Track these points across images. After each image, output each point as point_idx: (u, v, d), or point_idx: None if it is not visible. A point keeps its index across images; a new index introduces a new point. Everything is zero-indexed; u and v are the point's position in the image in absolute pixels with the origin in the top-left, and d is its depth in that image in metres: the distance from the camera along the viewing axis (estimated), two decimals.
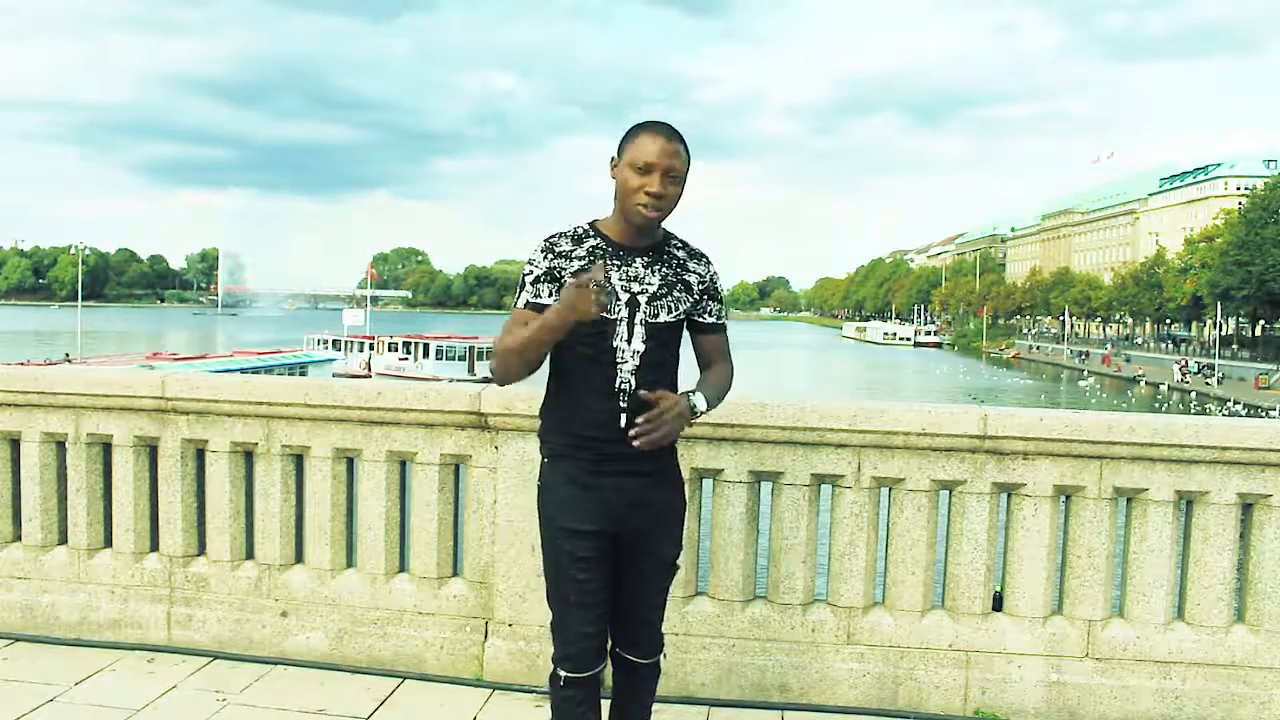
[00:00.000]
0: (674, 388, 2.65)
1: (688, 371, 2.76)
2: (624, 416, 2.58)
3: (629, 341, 2.61)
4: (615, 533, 2.68)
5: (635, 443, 2.52)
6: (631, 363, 2.60)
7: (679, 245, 2.76)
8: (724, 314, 2.83)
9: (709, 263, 2.79)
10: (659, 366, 2.64)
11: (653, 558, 2.76)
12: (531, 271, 2.65)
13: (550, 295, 2.62)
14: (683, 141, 2.63)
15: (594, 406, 2.61)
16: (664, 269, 2.68)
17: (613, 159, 2.64)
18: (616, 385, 2.59)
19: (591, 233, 2.68)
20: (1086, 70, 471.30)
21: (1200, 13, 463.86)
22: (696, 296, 2.73)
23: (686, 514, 2.89)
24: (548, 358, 2.65)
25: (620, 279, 2.63)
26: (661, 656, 2.87)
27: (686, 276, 2.72)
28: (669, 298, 2.67)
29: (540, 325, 2.53)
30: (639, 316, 2.62)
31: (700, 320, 2.77)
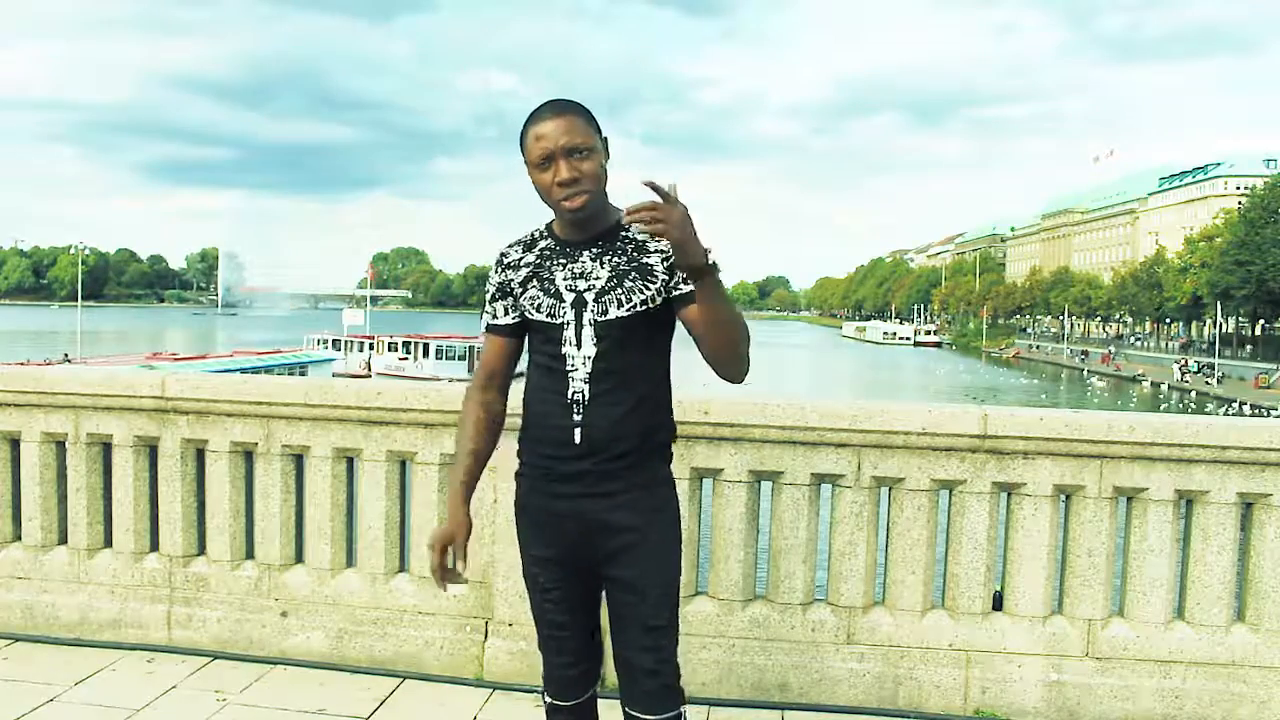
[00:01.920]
0: (646, 400, 2.37)
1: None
2: (578, 432, 2.32)
3: (578, 346, 2.33)
4: (589, 559, 2.41)
5: (637, 225, 2.06)
6: (583, 369, 2.33)
7: None
8: None
9: None
10: (617, 373, 2.33)
11: (628, 591, 2.38)
12: (488, 290, 2.50)
13: (506, 314, 2.47)
14: (575, 111, 2.31)
15: (548, 420, 2.36)
16: (615, 258, 2.36)
17: (526, 167, 2.36)
18: (569, 396, 2.32)
19: (544, 233, 2.46)
20: (1086, 71, 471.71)
21: (1199, 13, 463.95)
22: (665, 276, 2.34)
23: (674, 536, 2.45)
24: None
25: (565, 277, 2.38)
26: (679, 712, 2.41)
27: (645, 259, 2.35)
28: (619, 289, 2.34)
29: (451, 488, 2.52)
30: (586, 316, 2.34)
31: (678, 292, 2.33)
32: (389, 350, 56.50)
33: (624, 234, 2.38)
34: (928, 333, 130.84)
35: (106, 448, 4.20)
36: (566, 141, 2.26)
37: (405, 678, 3.87)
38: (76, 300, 69.03)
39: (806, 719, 3.68)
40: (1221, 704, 3.64)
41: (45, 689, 3.66)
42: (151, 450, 4.18)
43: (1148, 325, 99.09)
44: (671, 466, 2.49)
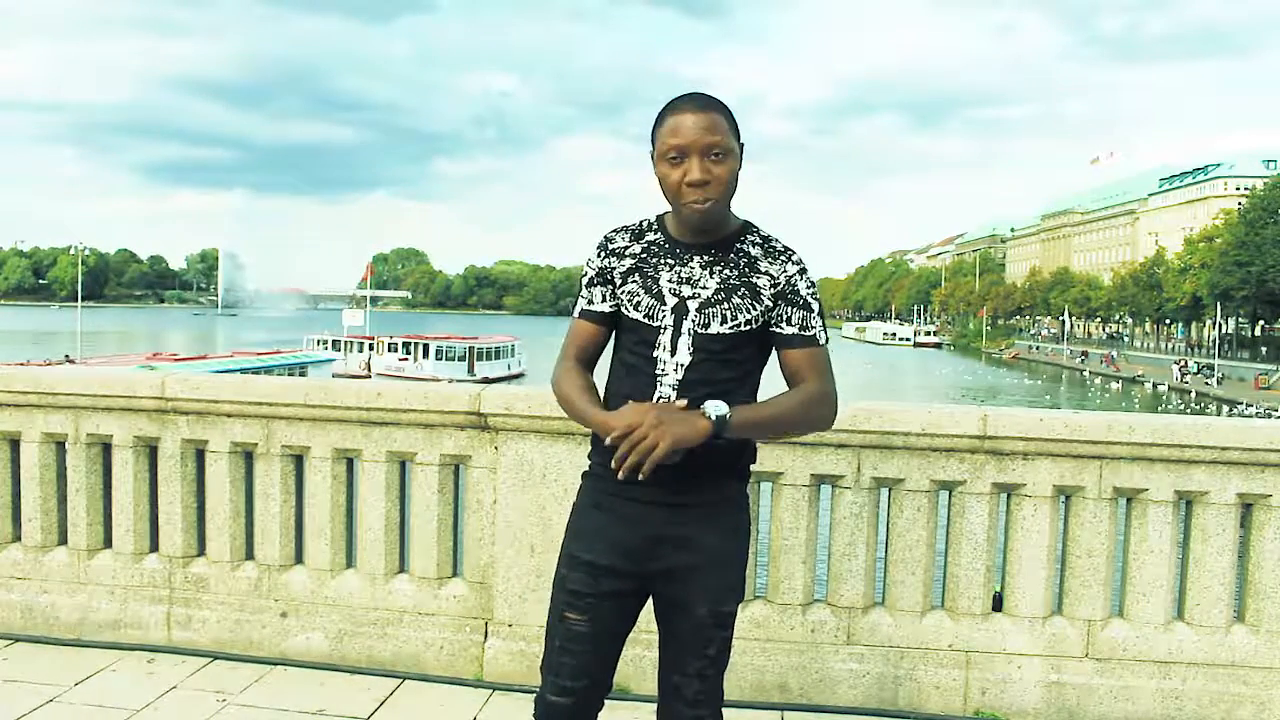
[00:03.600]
0: None
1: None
2: None
3: (672, 353, 2.26)
4: (640, 573, 2.32)
5: (619, 474, 2.12)
6: (672, 376, 2.25)
7: (757, 241, 2.32)
8: (813, 325, 2.30)
9: (790, 262, 2.30)
10: (707, 384, 2.23)
11: (687, 611, 2.31)
12: (586, 273, 2.37)
13: (603, 300, 2.35)
14: (718, 109, 2.22)
15: None
16: (726, 270, 2.28)
17: (651, 154, 2.28)
18: (654, 401, 2.23)
19: (654, 226, 2.36)
20: (1086, 71, 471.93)
21: (1199, 14, 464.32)
22: (769, 303, 2.28)
23: (742, 561, 2.40)
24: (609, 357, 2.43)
25: (670, 280, 2.29)
26: None
27: (755, 279, 2.28)
28: (725, 305, 2.26)
29: (590, 418, 2.26)
30: (685, 325, 2.26)
31: (778, 330, 2.29)
32: (389, 351, 56.61)
33: (739, 245, 2.31)
34: (927, 333, 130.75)
35: (106, 448, 4.20)
36: (705, 140, 2.18)
37: (405, 678, 3.87)
38: (76, 301, 69.03)
39: (806, 719, 3.68)
40: (1221, 705, 3.64)
41: (45, 689, 3.66)
42: (151, 451, 4.18)
43: (1147, 326, 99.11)
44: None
